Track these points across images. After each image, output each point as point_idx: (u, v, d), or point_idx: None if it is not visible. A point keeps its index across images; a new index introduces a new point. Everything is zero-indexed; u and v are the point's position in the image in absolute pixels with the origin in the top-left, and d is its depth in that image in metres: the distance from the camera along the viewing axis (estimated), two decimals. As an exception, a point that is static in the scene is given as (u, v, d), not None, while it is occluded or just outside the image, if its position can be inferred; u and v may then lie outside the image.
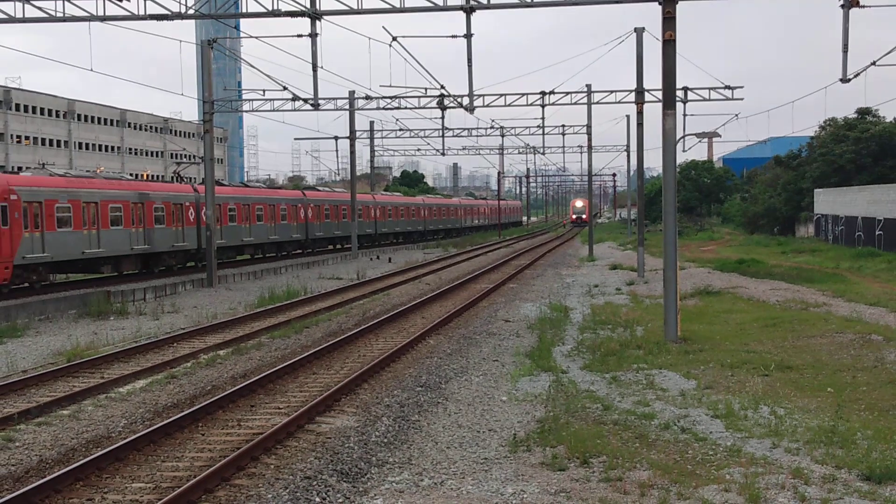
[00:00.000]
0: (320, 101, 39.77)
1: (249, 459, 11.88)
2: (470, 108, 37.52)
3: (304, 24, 30.71)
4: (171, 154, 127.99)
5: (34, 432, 13.70)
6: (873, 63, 30.34)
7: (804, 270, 38.81)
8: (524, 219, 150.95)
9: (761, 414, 13.45)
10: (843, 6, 24.14)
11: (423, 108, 42.50)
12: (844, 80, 30.16)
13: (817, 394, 14.79)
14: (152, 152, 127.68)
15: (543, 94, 41.93)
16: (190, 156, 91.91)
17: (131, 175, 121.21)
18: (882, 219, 48.09)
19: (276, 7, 26.40)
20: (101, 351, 20.74)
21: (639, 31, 38.34)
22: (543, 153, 77.10)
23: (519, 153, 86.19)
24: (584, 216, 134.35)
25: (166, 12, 26.94)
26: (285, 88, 38.49)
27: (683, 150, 47.54)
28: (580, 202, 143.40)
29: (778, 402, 14.23)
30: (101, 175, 39.73)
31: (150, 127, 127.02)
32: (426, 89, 40.29)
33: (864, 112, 66.46)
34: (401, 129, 61.58)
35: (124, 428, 14.00)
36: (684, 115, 41.72)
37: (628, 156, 79.59)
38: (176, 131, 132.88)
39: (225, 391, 16.07)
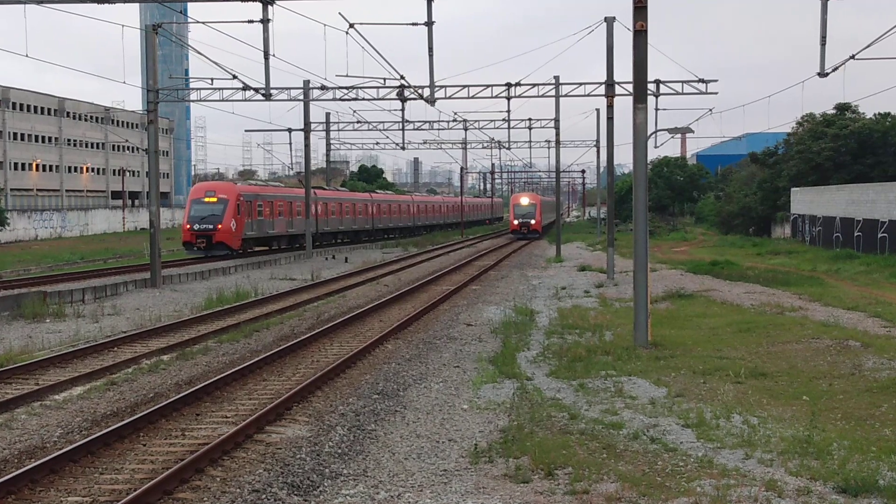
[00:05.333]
0: (272, 91, 39.59)
1: (194, 471, 11.81)
2: (431, 100, 37.53)
3: (255, 8, 30.55)
4: (113, 146, 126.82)
5: (-38, 443, 13.52)
6: (852, 57, 30.73)
7: (780, 273, 39.21)
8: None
9: (734, 423, 13.59)
10: (821, -3, 24.43)
11: (382, 99, 42.49)
12: (822, 74, 30.54)
13: (792, 402, 14.95)
14: (93, 144, 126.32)
15: (509, 85, 42.04)
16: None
17: (68, 168, 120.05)
18: (861, 219, 48.72)
19: (225, -10, 26.23)
20: (36, 355, 20.50)
21: (609, 21, 38.59)
22: (509, 148, 77.30)
23: (483, 148, 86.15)
24: (532, 221, 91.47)
25: (108, -5, 26.68)
26: (235, 77, 38.29)
27: (655, 146, 47.91)
28: (526, 198, 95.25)
29: (751, 410, 14.37)
30: (270, 183, 67.54)
31: (91, 117, 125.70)
32: (385, 79, 40.27)
33: (842, 108, 67.22)
34: (358, 122, 61.48)
35: (60, 438, 13.86)
36: (656, 109, 42.07)
37: (598, 151, 79.85)
38: (118, 121, 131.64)
39: (168, 399, 15.96)
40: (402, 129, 60.24)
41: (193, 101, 45.11)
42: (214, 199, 53.76)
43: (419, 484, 11.32)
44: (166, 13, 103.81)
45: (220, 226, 53.17)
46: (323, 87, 43.57)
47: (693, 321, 24.75)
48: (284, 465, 12.18)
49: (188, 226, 53.55)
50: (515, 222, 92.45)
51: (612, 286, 36.05)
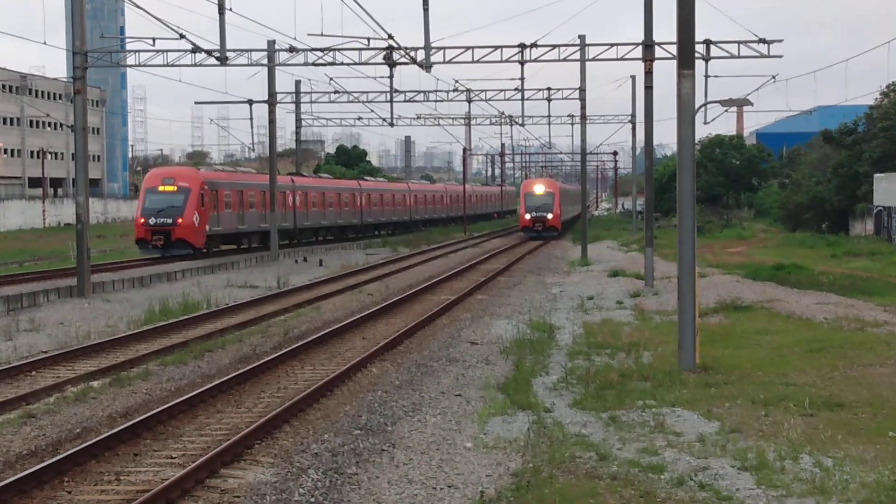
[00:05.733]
0: (229, 54, 39.68)
1: (131, 525, 11.81)
2: (426, 65, 37.62)
3: (208, -49, 30.58)
4: (31, 121, 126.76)
5: None
6: (950, 11, 30.73)
7: (860, 279, 39.22)
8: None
9: (803, 465, 13.59)
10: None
11: (366, 63, 42.48)
12: (913, 32, 30.55)
13: (875, 439, 14.95)
14: (5, 119, 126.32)
15: (523, 47, 42.05)
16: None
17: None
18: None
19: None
20: (-65, 382, 20.52)
21: (648, -34, 38.54)
22: (523, 124, 77.25)
23: (491, 124, 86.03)
24: (549, 216, 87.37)
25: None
26: (183, 37, 38.30)
27: (705, 122, 47.83)
28: (541, 186, 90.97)
29: (824, 449, 14.37)
30: (239, 169, 67.47)
31: (3, 86, 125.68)
32: (369, 40, 40.30)
33: (938, 74, 67.26)
34: (336, 92, 61.50)
35: (-35, 484, 13.85)
36: (706, 76, 42.03)
37: (633, 129, 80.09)
38: (37, 91, 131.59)
39: (100, 435, 15.97)
40: (391, 101, 60.32)
41: (131, 65, 45.20)
42: (173, 188, 55.16)
43: (411, 541, 11.33)
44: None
45: (180, 220, 54.40)
46: (292, 49, 43.60)
47: (752, 339, 24.74)
48: (244, 518, 12.18)
49: (142, 220, 54.91)
50: (527, 217, 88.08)
51: (650, 295, 36.07)
